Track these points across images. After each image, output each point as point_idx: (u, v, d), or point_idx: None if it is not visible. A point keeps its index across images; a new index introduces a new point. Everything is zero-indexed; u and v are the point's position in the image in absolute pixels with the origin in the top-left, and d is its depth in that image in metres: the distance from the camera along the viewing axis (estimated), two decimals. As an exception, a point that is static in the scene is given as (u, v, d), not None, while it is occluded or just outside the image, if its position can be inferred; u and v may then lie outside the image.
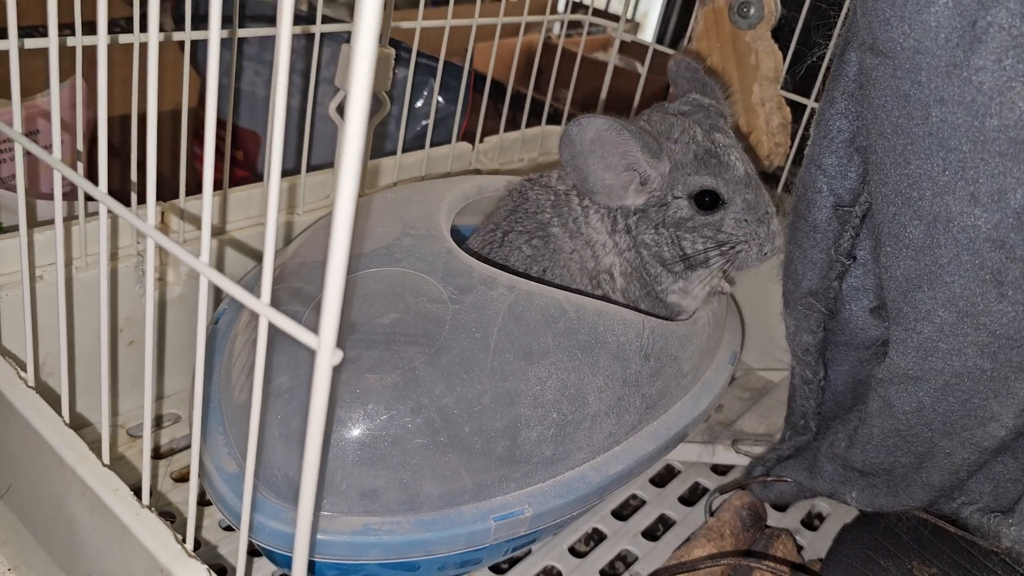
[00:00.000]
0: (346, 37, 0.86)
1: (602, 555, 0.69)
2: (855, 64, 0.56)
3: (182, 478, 0.68)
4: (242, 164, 1.12)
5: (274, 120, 0.33)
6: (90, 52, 0.70)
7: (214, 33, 0.35)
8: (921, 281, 0.50)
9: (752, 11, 0.87)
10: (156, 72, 0.37)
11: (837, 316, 0.64)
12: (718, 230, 0.65)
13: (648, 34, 1.79)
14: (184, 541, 0.43)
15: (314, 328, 0.34)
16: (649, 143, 0.63)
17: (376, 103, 0.81)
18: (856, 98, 0.58)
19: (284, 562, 0.57)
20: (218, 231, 0.75)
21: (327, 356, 0.35)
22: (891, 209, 0.51)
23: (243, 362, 0.58)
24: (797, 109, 0.88)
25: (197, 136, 1.12)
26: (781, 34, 0.88)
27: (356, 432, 0.53)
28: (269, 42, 1.04)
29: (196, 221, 0.70)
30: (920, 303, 0.51)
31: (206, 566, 0.42)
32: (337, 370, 0.36)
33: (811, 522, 0.77)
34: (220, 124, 0.99)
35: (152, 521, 0.43)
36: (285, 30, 0.32)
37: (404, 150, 0.88)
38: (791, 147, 0.90)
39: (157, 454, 0.71)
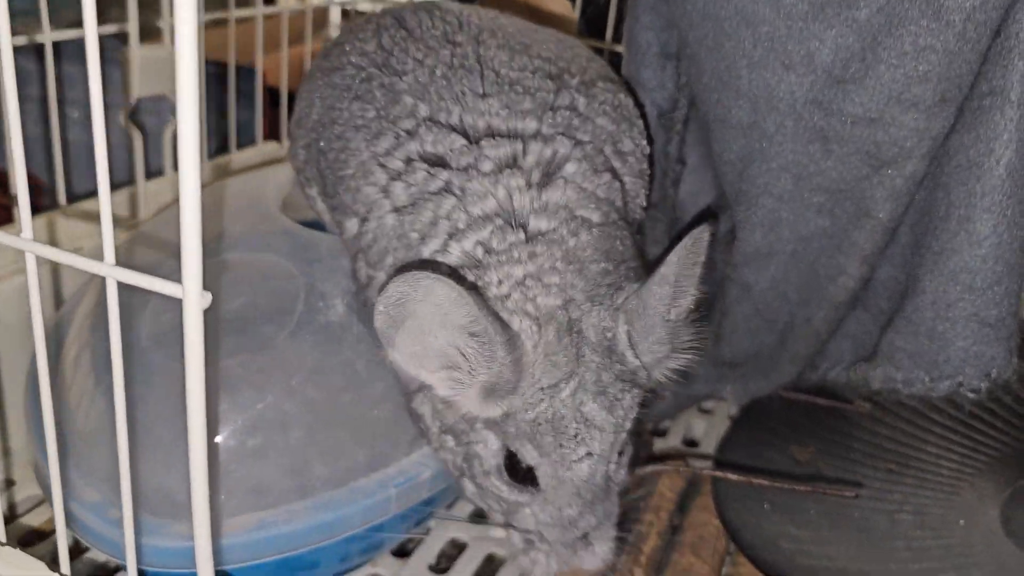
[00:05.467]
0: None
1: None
2: (652, -26, 0.58)
3: (28, 543, 0.61)
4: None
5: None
6: None
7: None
8: (754, 156, 0.53)
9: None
10: None
11: (680, 225, 0.66)
12: (514, 506, 0.46)
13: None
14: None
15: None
16: (500, 382, 0.43)
17: (171, 108, 0.77)
18: (658, 11, 0.60)
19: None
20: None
21: (196, 300, 0.32)
22: (714, 96, 0.53)
23: (81, 387, 0.53)
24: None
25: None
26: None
27: (231, 424, 0.49)
28: None
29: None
30: (757, 178, 0.53)
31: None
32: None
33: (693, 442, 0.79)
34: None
35: None
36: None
37: (210, 159, 0.83)
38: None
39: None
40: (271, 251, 0.56)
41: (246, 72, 0.93)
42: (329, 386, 0.51)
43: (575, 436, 0.43)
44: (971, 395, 0.51)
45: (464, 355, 0.42)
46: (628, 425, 0.45)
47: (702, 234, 0.43)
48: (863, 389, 0.57)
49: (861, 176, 0.51)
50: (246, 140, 0.92)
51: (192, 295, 0.32)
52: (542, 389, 0.43)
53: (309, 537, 0.50)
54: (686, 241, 0.43)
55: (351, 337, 0.53)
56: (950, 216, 0.49)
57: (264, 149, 0.90)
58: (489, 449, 0.45)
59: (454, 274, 0.44)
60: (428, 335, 0.42)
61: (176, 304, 0.32)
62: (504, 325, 0.42)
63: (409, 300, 0.41)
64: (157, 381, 0.50)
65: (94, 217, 0.75)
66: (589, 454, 0.43)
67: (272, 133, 0.95)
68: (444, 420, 0.46)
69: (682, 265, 0.43)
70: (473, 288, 0.44)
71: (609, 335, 0.44)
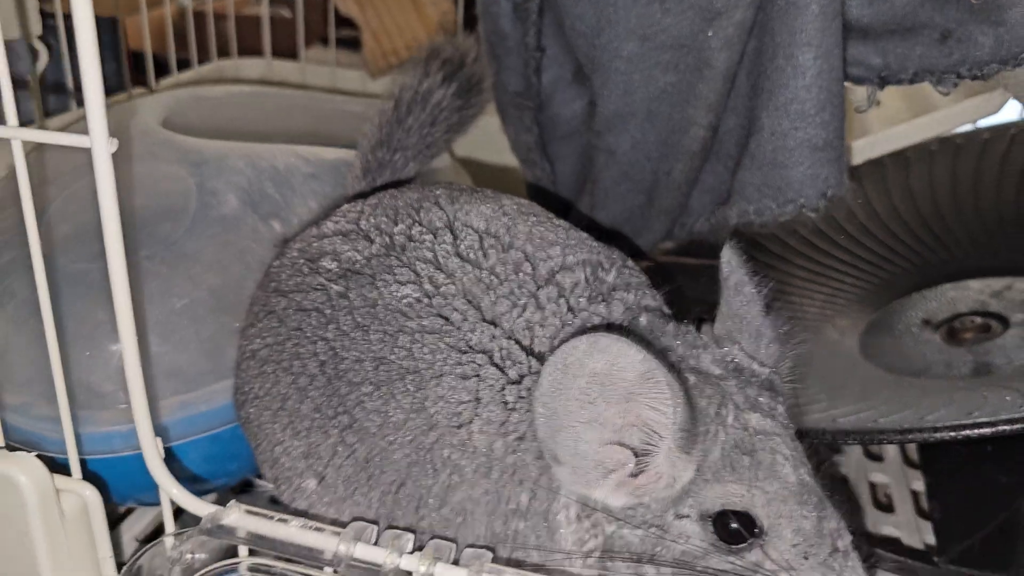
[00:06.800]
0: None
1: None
2: None
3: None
4: None
5: None
6: None
7: None
8: (603, 23, 0.58)
9: None
10: None
11: (547, 110, 0.70)
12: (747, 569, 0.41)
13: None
14: None
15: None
16: (688, 422, 0.39)
17: (31, 52, 0.77)
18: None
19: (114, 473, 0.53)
20: None
21: (103, 145, 0.35)
22: (562, -27, 0.58)
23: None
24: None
25: None
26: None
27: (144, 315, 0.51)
28: None
29: None
30: (607, 44, 0.58)
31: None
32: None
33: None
34: None
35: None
36: None
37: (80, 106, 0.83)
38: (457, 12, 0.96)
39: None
40: (157, 160, 0.57)
41: (108, 23, 0.93)
42: (230, 274, 0.54)
43: (760, 448, 0.41)
44: (812, 215, 0.58)
45: (643, 421, 0.39)
46: (792, 431, 0.43)
47: (735, 244, 0.45)
48: (724, 232, 0.63)
49: (697, 30, 0.56)
50: (114, 88, 0.92)
51: (99, 140, 0.34)
52: (712, 420, 0.41)
53: (229, 415, 0.53)
54: (727, 252, 0.45)
55: (247, 228, 0.55)
56: (777, 55, 0.55)
57: (133, 94, 0.91)
58: (689, 535, 0.41)
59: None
60: (595, 427, 0.39)
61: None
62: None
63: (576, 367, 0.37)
64: (64, 285, 0.51)
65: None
66: (784, 457, 0.41)
67: (140, 83, 0.96)
68: (644, 550, 0.41)
69: (740, 267, 0.45)
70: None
71: (728, 359, 0.44)
